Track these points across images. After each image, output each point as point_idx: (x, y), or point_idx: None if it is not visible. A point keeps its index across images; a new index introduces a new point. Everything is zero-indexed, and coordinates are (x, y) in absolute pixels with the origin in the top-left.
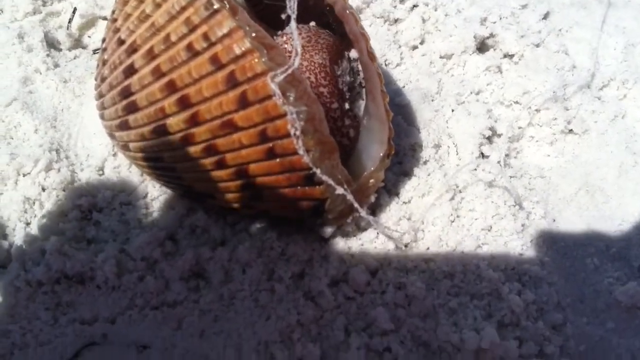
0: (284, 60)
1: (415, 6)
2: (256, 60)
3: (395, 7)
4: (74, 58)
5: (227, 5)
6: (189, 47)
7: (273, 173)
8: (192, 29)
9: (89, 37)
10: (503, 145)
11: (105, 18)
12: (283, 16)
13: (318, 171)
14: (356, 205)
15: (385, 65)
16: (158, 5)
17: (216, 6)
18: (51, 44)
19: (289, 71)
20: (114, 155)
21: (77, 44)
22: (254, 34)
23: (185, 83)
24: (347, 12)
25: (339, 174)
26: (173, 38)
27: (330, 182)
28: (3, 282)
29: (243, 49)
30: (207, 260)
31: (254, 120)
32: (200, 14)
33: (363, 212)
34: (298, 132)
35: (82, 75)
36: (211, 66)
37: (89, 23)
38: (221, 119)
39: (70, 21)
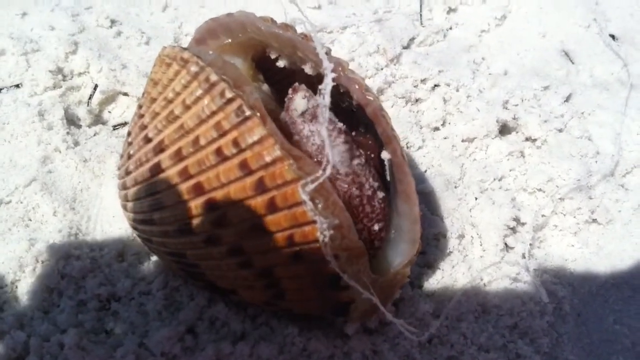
0: (313, 170)
1: (436, 86)
2: (286, 167)
3: (416, 86)
4: (94, 135)
5: (258, 113)
6: (218, 151)
7: (298, 276)
8: (222, 134)
9: (109, 112)
10: (527, 235)
11: (125, 94)
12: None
13: (345, 277)
14: (382, 309)
15: (407, 147)
16: (188, 108)
17: (247, 113)
18: (71, 121)
19: (320, 180)
20: (133, 240)
21: (97, 120)
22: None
23: (213, 186)
24: (380, 114)
25: (365, 277)
26: (202, 141)
27: (357, 286)
28: None
29: (273, 156)
30: (227, 355)
31: (281, 225)
32: (230, 120)
33: (390, 316)
34: (327, 240)
35: (102, 154)
36: (240, 171)
37: (109, 99)
38: (248, 222)
39: (90, 97)
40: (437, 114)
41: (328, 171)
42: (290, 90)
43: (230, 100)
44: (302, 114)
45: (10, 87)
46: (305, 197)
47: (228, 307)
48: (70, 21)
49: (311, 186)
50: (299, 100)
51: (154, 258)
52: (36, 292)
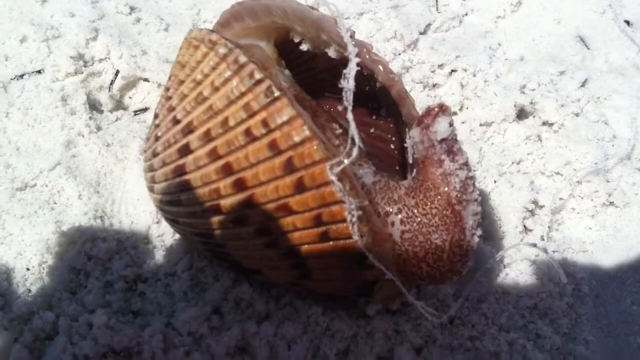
0: (338, 152)
1: (453, 71)
2: (315, 147)
3: (434, 72)
4: (116, 120)
5: (287, 94)
6: (247, 132)
7: (325, 255)
8: (251, 115)
9: (130, 97)
10: (545, 217)
11: (146, 79)
12: (340, 107)
13: (370, 256)
14: (403, 290)
15: None
16: (216, 89)
17: (276, 94)
18: (93, 106)
19: (347, 162)
20: (158, 222)
21: (119, 105)
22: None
23: (242, 167)
24: (404, 95)
25: (390, 261)
26: (231, 122)
27: (381, 266)
28: (50, 355)
29: (302, 136)
30: (252, 335)
31: (309, 205)
32: (259, 101)
33: (411, 298)
34: (354, 219)
35: (124, 138)
36: (269, 152)
37: (130, 84)
38: (276, 202)
39: (112, 83)
40: (455, 99)
41: (354, 153)
42: (436, 109)
43: (259, 82)
44: (441, 141)
45: (33, 72)
46: (333, 177)
47: (252, 287)
48: (90, 8)
49: (338, 168)
50: (443, 124)
51: (179, 240)
52: (63, 273)
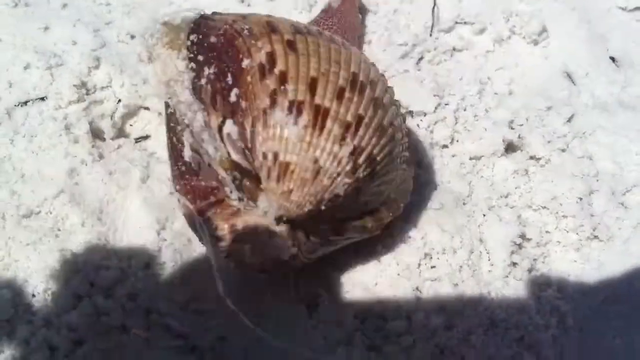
0: None
1: (446, 104)
2: None
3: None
4: (118, 148)
5: None
6: None
7: None
8: None
9: (131, 125)
10: (532, 251)
11: (147, 108)
12: None
13: None
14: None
15: (419, 167)
16: None
17: None
18: (95, 134)
19: None
20: (159, 250)
21: (120, 133)
22: None
23: None
24: None
25: None
26: None
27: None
28: None
29: None
30: None
31: None
32: None
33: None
34: None
35: (126, 167)
36: None
37: (131, 113)
38: None
39: (114, 111)
40: (446, 133)
41: None
42: None
43: None
44: None
45: (36, 99)
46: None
47: None
48: (92, 36)
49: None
50: None
51: (179, 267)
52: (67, 300)
